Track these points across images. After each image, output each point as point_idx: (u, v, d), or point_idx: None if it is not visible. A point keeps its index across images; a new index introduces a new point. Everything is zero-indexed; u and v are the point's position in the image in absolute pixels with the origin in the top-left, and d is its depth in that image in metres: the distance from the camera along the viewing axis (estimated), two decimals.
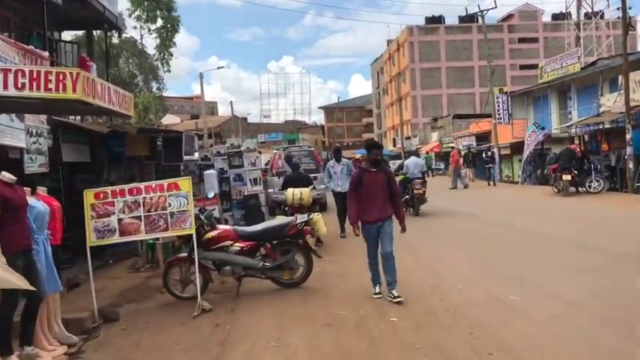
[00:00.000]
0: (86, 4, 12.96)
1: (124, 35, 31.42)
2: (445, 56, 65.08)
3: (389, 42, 75.78)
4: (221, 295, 7.99)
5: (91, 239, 7.08)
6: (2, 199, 5.23)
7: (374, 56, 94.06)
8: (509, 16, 67.93)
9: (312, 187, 11.81)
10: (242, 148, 16.62)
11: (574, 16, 43.28)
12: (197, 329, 6.46)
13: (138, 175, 14.84)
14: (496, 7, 42.15)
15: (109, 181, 13.38)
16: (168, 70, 33.58)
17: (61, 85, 6.20)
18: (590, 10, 42.81)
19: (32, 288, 4.88)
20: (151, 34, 32.19)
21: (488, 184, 27.68)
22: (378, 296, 6.99)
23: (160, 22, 31.74)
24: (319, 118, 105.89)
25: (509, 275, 7.88)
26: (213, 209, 8.95)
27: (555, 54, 35.47)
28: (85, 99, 6.40)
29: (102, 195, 7.09)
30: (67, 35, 16.08)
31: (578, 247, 9.71)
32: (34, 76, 6.09)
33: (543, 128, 27.04)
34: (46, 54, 10.84)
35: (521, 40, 65.83)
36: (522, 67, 63.40)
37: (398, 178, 12.74)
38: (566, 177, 18.65)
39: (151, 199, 7.06)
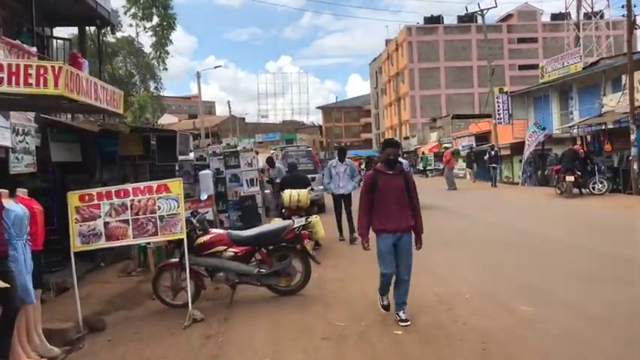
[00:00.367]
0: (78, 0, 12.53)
1: (120, 34, 31.12)
2: (444, 56, 64.70)
3: (387, 42, 75.41)
4: (214, 302, 7.57)
5: (76, 244, 6.66)
6: None
7: (372, 56, 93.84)
8: (509, 16, 67.60)
9: (310, 188, 11.39)
10: (238, 148, 16.22)
11: (573, 16, 42.97)
12: (187, 341, 6.04)
13: (131, 176, 14.45)
14: (496, 7, 41.78)
15: (101, 182, 12.99)
16: (165, 69, 33.29)
17: (42, 79, 5.80)
18: (589, 10, 42.51)
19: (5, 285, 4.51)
20: (146, 32, 31.85)
21: (492, 185, 27.22)
22: (385, 310, 6.28)
23: (155, 19, 31.33)
24: (317, 118, 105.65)
25: (517, 282, 7.49)
26: (206, 212, 8.54)
27: (555, 54, 35.13)
28: (69, 95, 6.00)
29: (87, 197, 6.67)
30: (61, 32, 15.62)
31: (589, 253, 9.30)
32: (13, 70, 5.70)
33: (544, 128, 26.66)
34: (34, 49, 10.43)
35: (521, 41, 65.48)
36: (521, 68, 63.06)
37: None
38: (570, 178, 18.28)
39: (139, 201, 6.64)
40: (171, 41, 32.53)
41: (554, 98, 29.40)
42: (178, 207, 6.65)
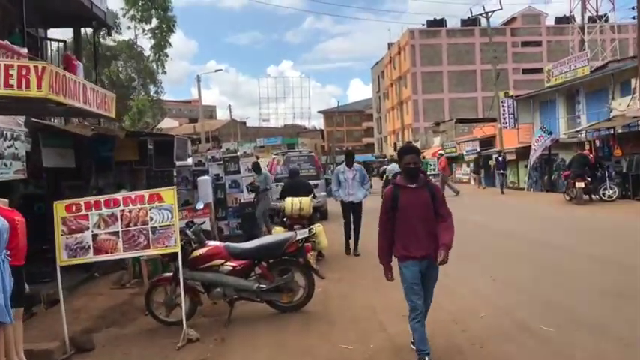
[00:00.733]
0: None
1: (120, 37, 30.75)
2: (447, 60, 64.28)
3: (390, 45, 75.02)
4: (211, 319, 7.09)
5: (62, 258, 6.19)
6: None
7: (373, 60, 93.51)
8: (512, 20, 67.18)
9: (312, 195, 10.87)
10: (238, 153, 15.80)
11: (578, 20, 42.58)
12: None
13: (128, 182, 14.02)
14: (501, 9, 41.36)
15: (97, 188, 12.59)
16: (164, 72, 32.86)
17: (24, 80, 5.36)
18: (594, 14, 42.12)
19: None
20: (145, 34, 31.42)
21: (501, 192, 26.57)
22: (422, 356, 4.93)
23: (155, 22, 30.94)
24: (319, 122, 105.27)
25: (535, 298, 6.99)
26: (203, 222, 8.03)
27: (559, 58, 34.70)
28: (53, 97, 5.56)
29: (74, 207, 6.20)
30: (57, 34, 15.17)
31: (609, 265, 8.78)
32: None
33: (551, 133, 26.17)
34: (25, 51, 9.97)
35: (525, 44, 65.06)
36: (525, 71, 62.65)
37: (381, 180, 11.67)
38: (580, 184, 17.78)
39: (130, 212, 6.17)
40: (170, 44, 32.28)
41: (561, 102, 28.92)
42: (172, 218, 6.18)
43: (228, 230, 14.46)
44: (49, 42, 14.60)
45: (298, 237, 6.94)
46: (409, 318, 4.96)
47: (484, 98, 59.14)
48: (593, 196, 18.25)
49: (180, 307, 6.60)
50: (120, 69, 32.11)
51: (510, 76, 62.13)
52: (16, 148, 8.96)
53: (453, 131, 46.59)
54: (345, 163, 11.29)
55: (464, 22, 64.23)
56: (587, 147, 22.75)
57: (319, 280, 7.19)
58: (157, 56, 31.67)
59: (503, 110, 32.17)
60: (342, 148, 71.10)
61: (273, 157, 19.66)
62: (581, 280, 7.84)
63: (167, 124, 54.32)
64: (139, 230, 6.15)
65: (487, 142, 37.13)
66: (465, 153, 39.73)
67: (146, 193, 6.27)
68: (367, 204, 11.31)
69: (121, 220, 6.17)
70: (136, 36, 31.68)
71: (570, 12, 43.56)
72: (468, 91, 63.73)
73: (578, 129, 24.86)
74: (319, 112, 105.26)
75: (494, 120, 35.73)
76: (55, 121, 13.46)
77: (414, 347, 5.10)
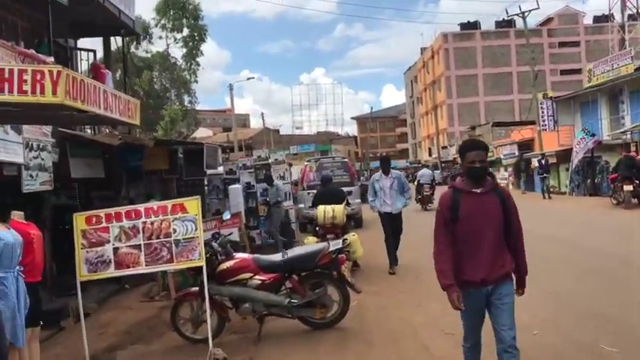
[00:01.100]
0: (99, 7, 11.93)
1: (153, 48, 31.02)
2: (482, 62, 63.08)
3: (423, 50, 74.16)
4: (240, 336, 6.68)
5: (82, 272, 5.87)
6: None
7: (405, 66, 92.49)
8: (549, 20, 65.55)
9: (346, 202, 10.36)
10: (270, 161, 15.48)
11: (617, 18, 41.13)
12: None
13: (158, 192, 13.86)
14: (538, 8, 40.02)
15: (127, 198, 12.48)
16: (196, 81, 33.03)
17: (38, 86, 5.02)
18: (635, 12, 40.63)
19: None
20: (177, 43, 31.60)
21: (544, 197, 25.46)
22: None
23: (186, 31, 31.08)
24: (352, 129, 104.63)
25: (593, 314, 6.36)
26: (230, 233, 7.65)
27: (598, 58, 33.50)
28: (70, 103, 5.20)
29: (94, 219, 5.88)
30: (87, 43, 15.17)
31: None
32: (6, 75, 4.92)
33: (593, 135, 25.08)
34: (51, 59, 9.81)
35: (562, 45, 63.38)
36: (563, 72, 61.00)
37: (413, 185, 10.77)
38: (628, 187, 16.83)
39: (152, 223, 5.81)
40: (201, 52, 32.37)
41: (604, 102, 27.77)
42: (196, 230, 5.80)
43: (260, 239, 14.18)
44: (79, 52, 14.57)
45: (331, 248, 6.46)
46: (464, 344, 4.19)
47: (521, 101, 57.77)
48: None
49: (207, 324, 6.22)
50: (155, 79, 32.37)
51: (548, 77, 60.51)
52: (42, 159, 8.81)
53: (489, 135, 45.49)
54: (380, 170, 10.31)
55: (498, 24, 62.98)
56: (632, 148, 21.68)
57: (355, 293, 6.71)
58: (188, 65, 31.81)
59: (543, 112, 31.16)
60: (376, 154, 70.48)
61: (306, 163, 19.25)
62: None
63: (201, 133, 54.64)
64: (161, 243, 5.79)
65: (525, 146, 36.05)
66: (502, 157, 38.71)
67: (169, 204, 5.91)
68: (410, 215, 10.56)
69: (143, 232, 5.82)
70: (167, 45, 31.96)
71: (609, 10, 42.08)
72: (503, 94, 62.38)
73: (622, 130, 23.78)
74: (352, 118, 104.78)
75: (532, 122, 34.66)
76: (88, 131, 13.38)
77: None
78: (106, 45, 14.82)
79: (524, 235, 4.08)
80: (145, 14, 33.31)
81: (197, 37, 31.10)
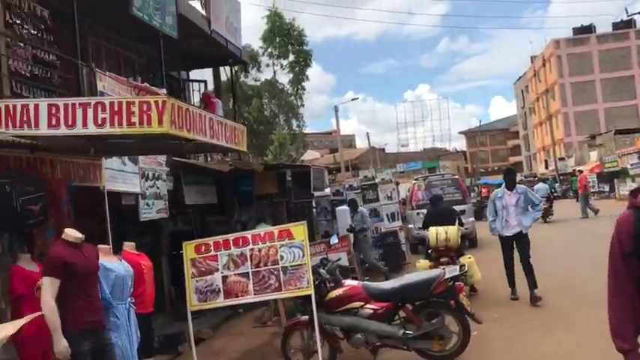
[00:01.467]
0: (207, 39, 12.39)
1: (262, 76, 32.11)
2: (599, 67, 59.02)
3: (532, 58, 70.87)
4: None
5: (192, 302, 5.85)
6: (62, 264, 4.08)
7: (514, 76, 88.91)
8: None
9: (459, 223, 9.71)
10: (376, 180, 15.19)
11: None
12: None
13: (268, 216, 14.04)
14: None
15: (240, 222, 12.73)
16: (302, 105, 33.58)
17: (145, 117, 5.07)
18: None
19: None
20: (283, 69, 32.38)
21: None
22: None
23: (291, 57, 31.82)
24: (460, 144, 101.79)
25: None
26: (339, 259, 7.38)
27: None
28: (175, 132, 5.23)
29: (203, 248, 5.86)
30: (199, 74, 15.89)
31: None
32: (115, 108, 5.03)
33: None
34: (163, 91, 10.22)
35: None
36: None
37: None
38: None
39: (260, 250, 5.69)
40: (307, 77, 32.85)
41: None
42: (303, 256, 5.60)
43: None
44: (191, 83, 15.23)
45: (447, 275, 5.97)
46: None
47: None
48: None
49: (318, 355, 5.96)
50: (264, 106, 33.42)
51: None
52: (158, 187, 9.12)
53: (612, 144, 42.20)
54: (504, 184, 9.05)
55: (615, 26, 58.79)
56: None
57: (475, 323, 6.16)
58: (295, 90, 32.47)
59: None
60: (487, 168, 67.96)
61: (414, 182, 18.70)
62: None
63: (309, 155, 55.58)
64: (269, 271, 5.65)
65: None
66: (629, 167, 35.66)
67: (275, 230, 5.78)
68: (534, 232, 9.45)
69: (251, 259, 5.71)
70: (274, 72, 32.84)
71: None
72: (625, 99, 57.84)
73: None
74: (460, 133, 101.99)
75: None
76: (200, 159, 13.85)
77: None
78: (216, 75, 15.40)
79: None
80: (253, 42, 34.64)
81: (302, 62, 31.79)
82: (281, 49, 31.05)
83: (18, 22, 7.31)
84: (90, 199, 6.70)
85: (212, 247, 5.85)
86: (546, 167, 60.99)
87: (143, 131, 5.07)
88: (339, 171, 34.31)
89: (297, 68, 31.56)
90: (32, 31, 7.65)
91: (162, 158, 9.25)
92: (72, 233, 4.27)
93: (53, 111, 4.98)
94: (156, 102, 5.10)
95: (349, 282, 6.43)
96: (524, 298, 8.49)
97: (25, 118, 4.92)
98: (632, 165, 34.87)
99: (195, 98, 15.14)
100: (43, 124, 5.00)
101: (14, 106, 4.98)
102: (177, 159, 9.96)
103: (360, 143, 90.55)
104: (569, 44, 60.57)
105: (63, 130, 5.03)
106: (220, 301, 5.82)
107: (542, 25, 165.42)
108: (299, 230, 5.69)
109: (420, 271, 7.96)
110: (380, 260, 13.36)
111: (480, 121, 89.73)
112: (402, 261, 13.52)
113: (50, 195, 5.48)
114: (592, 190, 41.57)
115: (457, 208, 11.78)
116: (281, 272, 5.63)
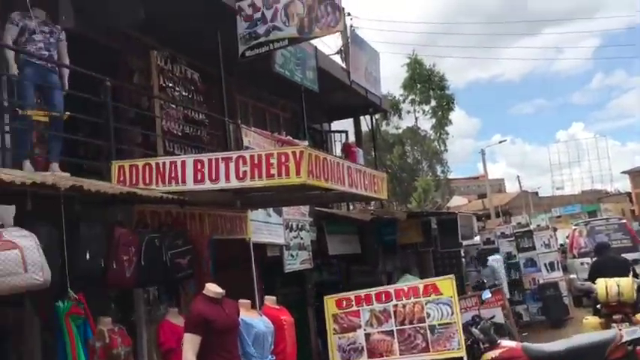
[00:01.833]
0: (348, 90, 12.54)
1: (403, 123, 32.19)
2: None
3: None
4: None
5: None
6: (202, 321, 4.04)
7: None
8: None
9: (633, 274, 8.54)
10: (531, 227, 14.13)
11: None
12: None
13: (414, 266, 13.60)
14: None
15: (385, 272, 12.46)
16: (446, 150, 33.00)
17: (283, 168, 5.06)
18: None
19: None
20: (425, 115, 32.19)
21: None
22: None
23: (433, 102, 31.54)
24: (623, 184, 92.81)
25: None
26: (493, 316, 6.71)
27: None
28: (313, 182, 5.14)
29: (344, 302, 5.62)
30: (340, 125, 16.13)
31: None
32: (255, 161, 5.08)
33: None
34: (305, 143, 10.40)
35: None
36: None
37: None
38: None
39: (404, 306, 5.33)
40: (450, 121, 32.37)
41: None
42: (452, 314, 5.13)
43: (528, 316, 13.04)
44: (333, 134, 15.48)
45: (625, 338, 5.11)
46: None
47: None
48: None
49: None
50: (407, 153, 33.30)
51: None
52: (302, 238, 9.16)
53: None
54: None
55: None
56: None
57: None
58: (438, 135, 32.01)
59: None
60: None
61: (574, 227, 17.18)
62: None
63: (456, 202, 53.95)
64: (415, 329, 5.25)
65: None
66: None
67: (420, 285, 5.40)
68: None
69: (395, 316, 5.34)
70: (416, 119, 32.72)
71: None
72: None
73: None
74: (622, 172, 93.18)
75: None
76: (343, 208, 13.89)
77: None
78: (357, 124, 15.49)
79: None
80: (394, 91, 34.97)
81: (445, 106, 31.44)
82: (422, 95, 30.94)
83: (170, 85, 7.85)
84: (235, 252, 6.81)
85: (354, 302, 5.59)
86: None
87: (282, 182, 5.04)
88: (489, 217, 32.66)
89: (439, 112, 31.17)
90: (183, 93, 8.17)
91: (305, 209, 9.30)
92: (212, 288, 4.24)
93: (199, 166, 5.12)
94: (293, 153, 5.06)
95: (506, 342, 5.76)
96: None
97: (173, 175, 5.11)
98: None
99: (337, 149, 15.34)
100: (189, 180, 5.15)
101: (163, 163, 5.20)
102: (320, 209, 9.97)
103: (510, 187, 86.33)
104: None
105: (207, 185, 5.15)
106: None
107: None
108: (446, 285, 5.24)
109: (589, 330, 7.01)
110: (539, 314, 12.29)
111: None
112: (564, 315, 12.28)
113: (194, 248, 5.61)
114: None
115: (627, 256, 10.48)
116: (428, 331, 5.20)
